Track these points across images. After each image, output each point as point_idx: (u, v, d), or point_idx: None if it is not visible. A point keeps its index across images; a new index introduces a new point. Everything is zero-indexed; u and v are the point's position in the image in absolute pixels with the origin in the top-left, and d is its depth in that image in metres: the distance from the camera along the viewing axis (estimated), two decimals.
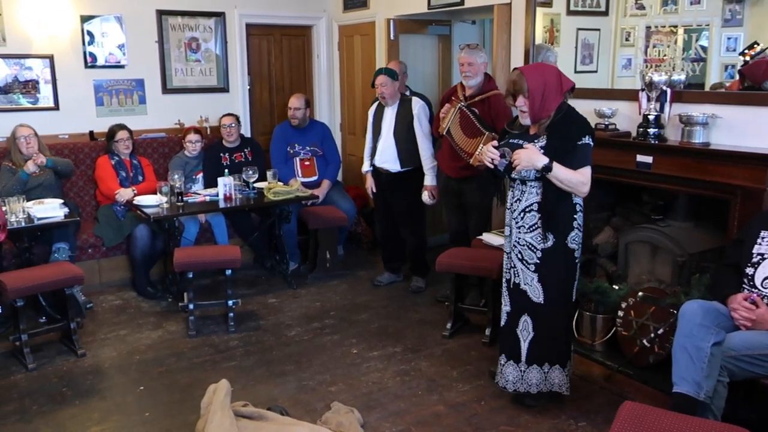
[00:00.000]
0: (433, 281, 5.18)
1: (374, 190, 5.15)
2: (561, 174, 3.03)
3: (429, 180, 4.86)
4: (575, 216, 3.16)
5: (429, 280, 5.18)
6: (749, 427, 2.30)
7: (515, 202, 3.23)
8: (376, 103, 5.07)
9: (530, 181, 3.14)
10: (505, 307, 3.35)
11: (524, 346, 3.27)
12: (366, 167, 5.17)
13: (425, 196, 4.87)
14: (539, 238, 3.15)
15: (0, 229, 3.72)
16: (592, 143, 3.12)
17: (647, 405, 2.51)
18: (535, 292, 3.21)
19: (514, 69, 3.34)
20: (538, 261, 3.17)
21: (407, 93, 5.35)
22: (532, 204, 3.15)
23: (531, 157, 3.04)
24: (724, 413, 2.71)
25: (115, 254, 5.17)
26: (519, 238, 3.21)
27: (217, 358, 4.00)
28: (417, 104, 4.85)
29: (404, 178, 4.95)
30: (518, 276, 3.25)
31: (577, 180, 3.05)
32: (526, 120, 3.17)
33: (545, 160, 3.02)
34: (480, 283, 4.46)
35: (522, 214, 3.19)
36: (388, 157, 4.94)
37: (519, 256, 3.23)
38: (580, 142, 3.07)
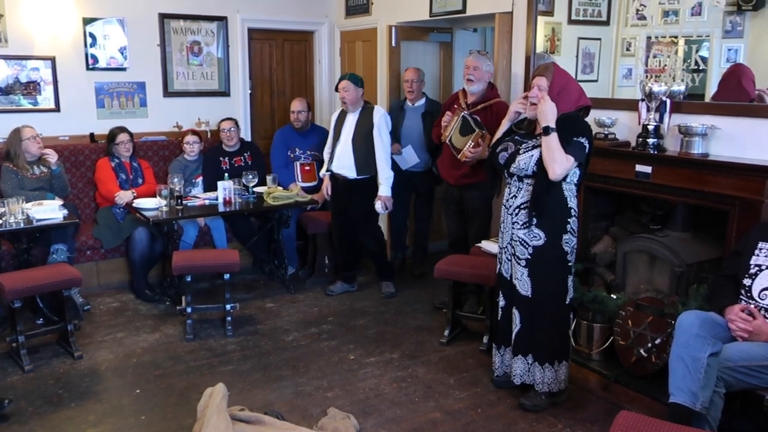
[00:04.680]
0: (432, 288, 5.18)
1: (329, 194, 5.09)
2: (553, 142, 3.11)
3: (383, 190, 4.80)
4: (569, 220, 3.25)
5: (425, 285, 5.18)
6: None
7: (511, 198, 3.35)
8: (339, 109, 5.04)
9: (526, 179, 3.25)
10: (501, 301, 3.49)
11: (513, 337, 3.42)
12: (324, 170, 5.13)
13: (378, 206, 4.82)
14: (531, 234, 3.25)
15: None
16: (587, 145, 3.19)
17: (643, 415, 2.51)
18: (524, 286, 3.32)
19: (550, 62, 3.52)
20: (529, 257, 3.29)
21: (423, 100, 5.35)
22: (526, 201, 3.27)
23: (547, 110, 3.16)
24: (720, 424, 2.72)
25: (113, 256, 5.16)
26: (513, 234, 3.33)
27: (214, 362, 4.00)
28: (378, 113, 4.80)
29: (361, 185, 4.87)
30: (510, 270, 3.39)
31: (559, 158, 3.11)
32: (532, 113, 3.27)
33: (552, 123, 3.13)
34: (478, 291, 4.46)
35: (517, 211, 3.31)
36: (344, 164, 4.87)
37: (512, 251, 3.35)
38: (575, 139, 3.16)
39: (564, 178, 3.19)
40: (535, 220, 3.23)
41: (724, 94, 3.63)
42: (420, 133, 5.25)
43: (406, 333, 4.44)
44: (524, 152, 3.24)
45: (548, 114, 3.15)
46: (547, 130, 3.13)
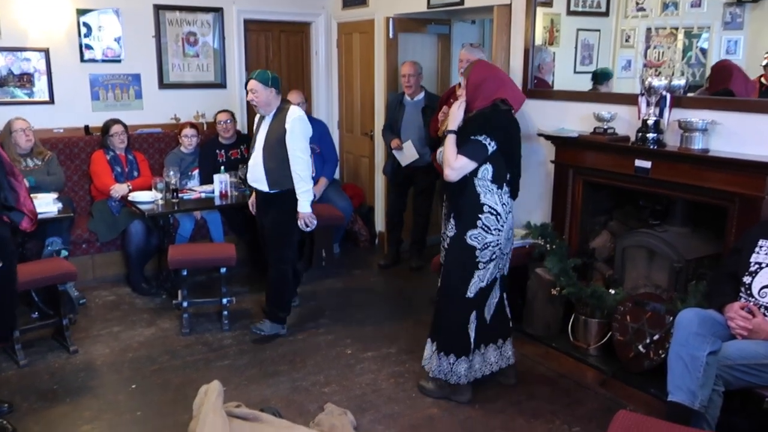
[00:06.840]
0: (428, 281, 5.16)
1: (254, 208, 4.36)
2: (447, 144, 3.24)
3: (301, 206, 4.05)
4: (480, 216, 3.23)
5: (422, 279, 5.16)
6: None
7: (442, 188, 3.53)
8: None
9: None
10: None
11: None
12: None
13: (300, 224, 4.12)
14: (450, 226, 3.34)
15: (31, 222, 3.53)
16: (487, 143, 3.16)
17: (641, 414, 2.51)
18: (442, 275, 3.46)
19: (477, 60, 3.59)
20: (446, 247, 3.41)
21: (422, 94, 5.30)
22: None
23: (453, 114, 3.29)
24: (719, 423, 2.71)
25: (109, 250, 5.14)
26: (444, 226, 3.46)
27: (211, 356, 3.98)
28: (291, 116, 3.98)
29: (275, 200, 4.12)
30: None
31: (447, 158, 3.20)
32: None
33: (453, 128, 3.25)
34: None
35: (444, 201, 3.45)
36: (256, 176, 4.12)
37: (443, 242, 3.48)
38: (473, 137, 3.18)
39: (475, 173, 3.20)
40: (452, 212, 3.31)
41: (735, 87, 3.59)
42: (420, 128, 5.21)
43: (404, 327, 4.43)
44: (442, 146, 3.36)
45: (452, 117, 3.28)
46: (445, 133, 3.27)
